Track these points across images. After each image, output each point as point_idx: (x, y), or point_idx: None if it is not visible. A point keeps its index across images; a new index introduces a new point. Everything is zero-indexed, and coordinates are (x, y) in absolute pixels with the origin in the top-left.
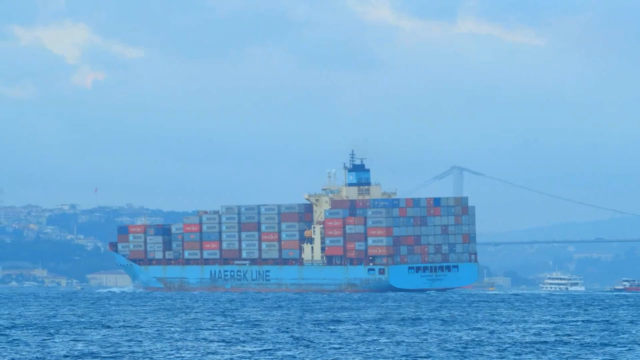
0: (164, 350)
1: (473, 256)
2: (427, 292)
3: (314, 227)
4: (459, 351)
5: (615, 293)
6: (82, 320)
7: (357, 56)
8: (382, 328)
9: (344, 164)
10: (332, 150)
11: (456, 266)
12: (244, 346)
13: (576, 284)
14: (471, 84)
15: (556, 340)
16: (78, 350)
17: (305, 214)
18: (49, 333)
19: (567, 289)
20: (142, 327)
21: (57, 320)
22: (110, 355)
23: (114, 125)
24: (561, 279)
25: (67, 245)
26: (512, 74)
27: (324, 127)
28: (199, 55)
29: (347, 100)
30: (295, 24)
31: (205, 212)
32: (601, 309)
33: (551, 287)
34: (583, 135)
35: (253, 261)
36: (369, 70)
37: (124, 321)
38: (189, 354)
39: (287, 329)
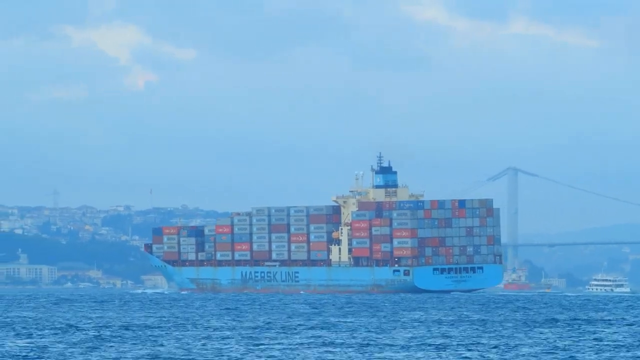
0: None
1: (498, 257)
2: (470, 293)
3: (342, 229)
4: None
5: None
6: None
7: (407, 56)
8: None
9: (372, 166)
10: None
11: (481, 267)
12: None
13: (621, 285)
14: (522, 84)
15: None
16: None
17: (333, 215)
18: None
19: (612, 290)
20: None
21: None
22: None
23: (167, 126)
24: (606, 280)
25: (122, 246)
26: (563, 74)
27: (370, 127)
28: (249, 56)
29: (397, 101)
30: (346, 24)
31: (238, 214)
32: None
33: (597, 289)
34: (637, 135)
35: (283, 262)
36: (420, 71)
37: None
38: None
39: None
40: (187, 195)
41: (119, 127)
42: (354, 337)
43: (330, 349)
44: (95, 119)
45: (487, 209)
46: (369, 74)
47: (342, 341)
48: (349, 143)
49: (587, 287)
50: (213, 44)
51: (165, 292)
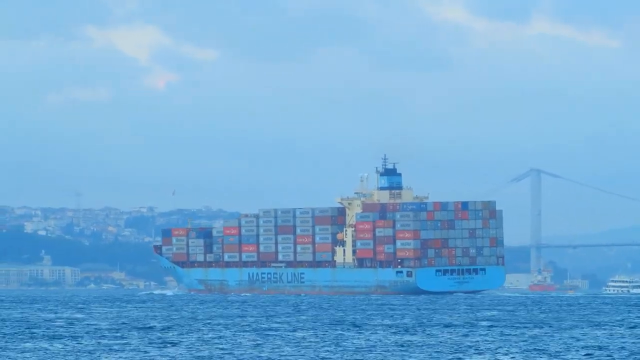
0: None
1: (500, 259)
2: (475, 294)
3: (346, 230)
4: None
5: None
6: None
7: (428, 57)
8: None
9: (376, 168)
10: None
11: (483, 269)
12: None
13: (638, 286)
14: (544, 85)
15: None
16: None
17: (338, 217)
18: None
19: (628, 291)
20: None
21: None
22: None
23: (189, 127)
24: (623, 281)
25: (145, 247)
26: (585, 75)
27: (388, 128)
28: (270, 56)
29: (418, 101)
30: (366, 25)
31: (246, 215)
32: None
33: (614, 290)
34: None
35: (289, 264)
36: (441, 71)
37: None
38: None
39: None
40: (211, 197)
41: (141, 128)
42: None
43: None
44: (118, 120)
45: (489, 211)
46: (389, 75)
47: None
48: (363, 143)
49: (604, 288)
50: (234, 45)
51: (168, 294)
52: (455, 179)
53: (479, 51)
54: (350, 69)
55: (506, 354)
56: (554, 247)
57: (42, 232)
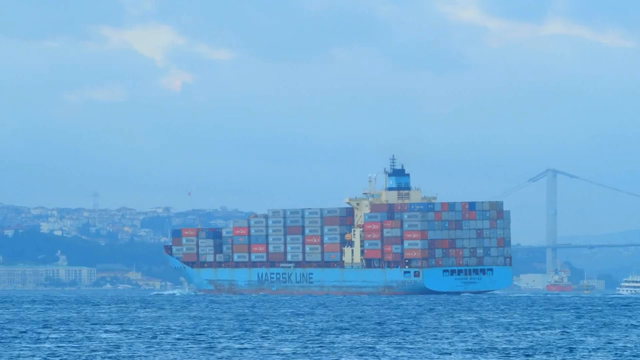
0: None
1: (508, 260)
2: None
3: (354, 231)
4: None
5: None
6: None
7: (443, 57)
8: None
9: (384, 168)
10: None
11: (491, 269)
12: None
13: None
14: (560, 85)
15: None
16: None
17: (346, 217)
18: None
19: None
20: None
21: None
22: None
23: (204, 127)
24: (636, 281)
25: (161, 248)
26: (601, 75)
27: (401, 127)
28: (286, 56)
29: (434, 101)
30: (381, 25)
31: (255, 216)
32: None
33: (627, 290)
34: None
35: (297, 264)
36: (456, 71)
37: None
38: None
39: None
40: (227, 197)
41: (157, 128)
42: None
43: None
44: (134, 121)
45: (497, 211)
46: (405, 75)
47: None
48: (373, 144)
49: (617, 288)
50: (249, 45)
51: (177, 294)
52: (470, 180)
53: (494, 51)
54: (365, 69)
55: None
56: (570, 247)
57: (58, 232)
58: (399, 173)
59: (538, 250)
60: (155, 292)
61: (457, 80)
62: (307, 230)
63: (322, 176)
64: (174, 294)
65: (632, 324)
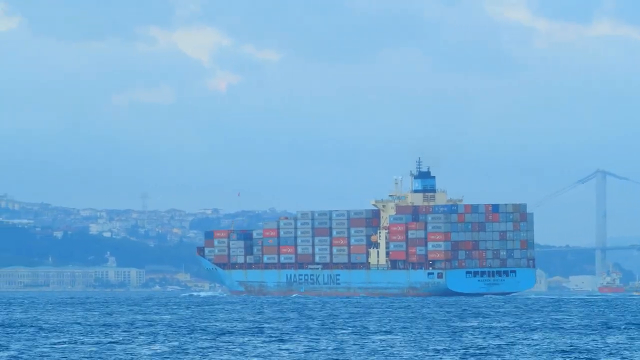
0: None
1: (531, 261)
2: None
3: (380, 232)
4: None
5: None
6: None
7: (490, 57)
8: None
9: (410, 171)
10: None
11: (514, 271)
12: None
13: None
14: (607, 86)
15: None
16: None
17: (372, 219)
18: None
19: None
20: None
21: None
22: None
23: (250, 128)
24: None
25: None
26: None
27: (448, 129)
28: (333, 57)
29: (480, 103)
30: (429, 26)
31: (285, 218)
32: None
33: None
34: None
35: (325, 265)
36: (502, 72)
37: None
38: None
39: None
40: (276, 198)
41: (204, 129)
42: None
43: None
44: (182, 122)
45: (520, 214)
46: (452, 76)
47: None
48: (404, 145)
49: None
50: (296, 45)
51: (201, 295)
52: (515, 181)
53: (541, 52)
54: (411, 71)
55: None
56: (619, 249)
57: (107, 234)
58: (424, 175)
59: (586, 252)
60: (189, 293)
61: (504, 81)
62: (334, 232)
63: (356, 176)
64: (199, 295)
65: None
